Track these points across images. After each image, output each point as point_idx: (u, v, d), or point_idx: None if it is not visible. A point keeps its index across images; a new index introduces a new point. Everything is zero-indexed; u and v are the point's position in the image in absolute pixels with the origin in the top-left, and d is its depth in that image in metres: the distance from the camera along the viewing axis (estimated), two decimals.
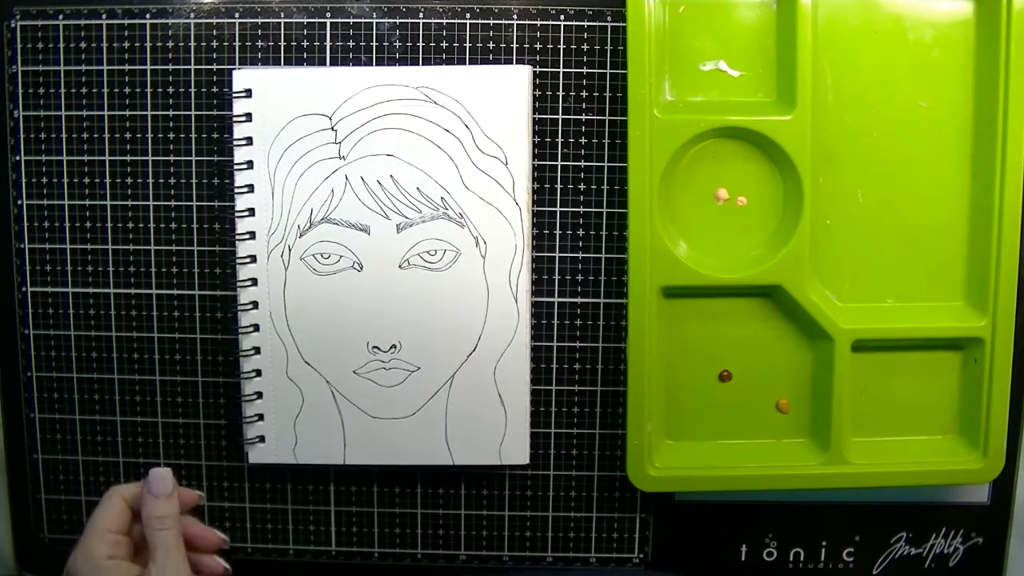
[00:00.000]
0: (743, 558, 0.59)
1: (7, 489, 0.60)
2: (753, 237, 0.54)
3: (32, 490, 0.60)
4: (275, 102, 0.54)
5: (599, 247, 0.56)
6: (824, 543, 0.59)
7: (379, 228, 0.54)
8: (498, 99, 0.54)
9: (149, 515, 0.49)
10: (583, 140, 0.56)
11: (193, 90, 0.56)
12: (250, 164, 0.55)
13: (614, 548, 0.59)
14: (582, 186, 0.56)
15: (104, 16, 0.56)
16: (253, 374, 0.56)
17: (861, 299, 0.55)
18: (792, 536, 0.59)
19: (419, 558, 0.59)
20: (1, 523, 0.61)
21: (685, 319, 0.55)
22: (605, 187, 0.56)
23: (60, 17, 0.56)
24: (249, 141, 0.55)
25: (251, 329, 0.56)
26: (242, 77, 0.55)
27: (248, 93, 0.55)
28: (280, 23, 0.55)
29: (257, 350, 0.56)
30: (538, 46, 0.55)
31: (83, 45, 0.56)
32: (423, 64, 0.55)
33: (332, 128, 0.54)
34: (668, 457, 0.55)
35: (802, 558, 0.59)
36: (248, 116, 0.55)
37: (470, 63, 0.55)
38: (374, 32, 0.55)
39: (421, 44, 0.55)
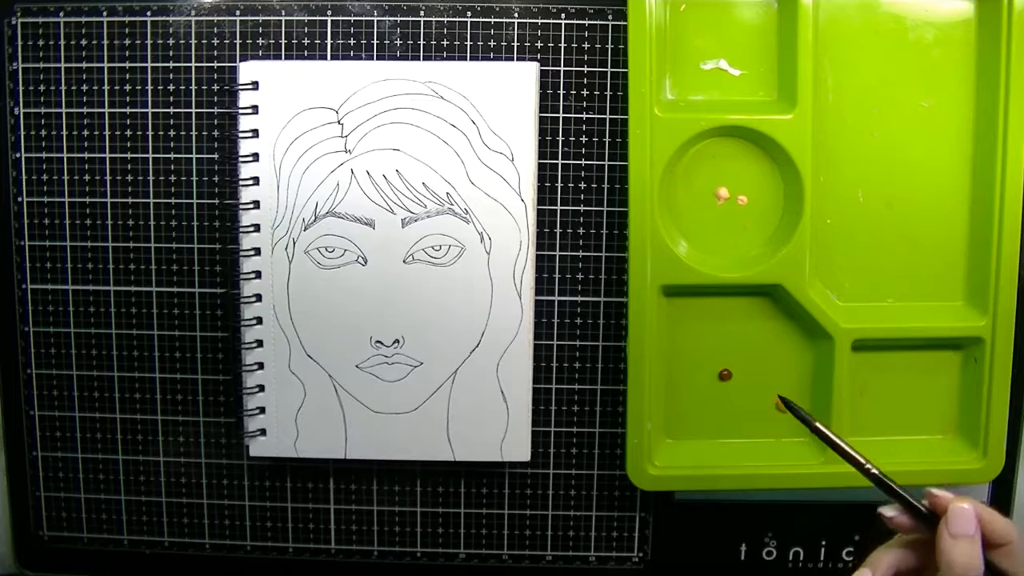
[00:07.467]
0: (743, 557, 0.59)
1: (7, 487, 0.60)
2: (753, 236, 0.54)
3: (32, 488, 0.59)
4: (282, 95, 0.54)
5: (599, 246, 0.56)
6: (824, 543, 0.59)
7: (384, 222, 0.54)
8: (505, 95, 0.54)
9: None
10: (584, 139, 0.56)
11: (194, 87, 0.56)
12: (256, 157, 0.55)
13: (614, 547, 0.59)
14: (583, 185, 0.56)
15: (105, 13, 0.56)
16: (255, 367, 0.56)
17: (861, 298, 0.55)
18: (792, 536, 0.59)
19: (418, 556, 0.59)
20: (1, 521, 0.60)
21: (685, 318, 0.55)
22: (606, 186, 0.56)
23: (61, 14, 0.56)
24: (255, 133, 0.55)
25: (254, 322, 0.56)
26: (249, 70, 0.55)
27: (255, 85, 0.55)
28: (281, 21, 0.55)
29: (260, 343, 0.56)
30: (539, 45, 0.55)
31: (84, 42, 0.56)
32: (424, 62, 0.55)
33: (339, 122, 0.54)
34: (668, 456, 0.55)
35: (802, 558, 0.59)
36: (255, 108, 0.55)
37: (471, 61, 0.55)
38: (375, 30, 0.55)
39: (422, 42, 0.55)
